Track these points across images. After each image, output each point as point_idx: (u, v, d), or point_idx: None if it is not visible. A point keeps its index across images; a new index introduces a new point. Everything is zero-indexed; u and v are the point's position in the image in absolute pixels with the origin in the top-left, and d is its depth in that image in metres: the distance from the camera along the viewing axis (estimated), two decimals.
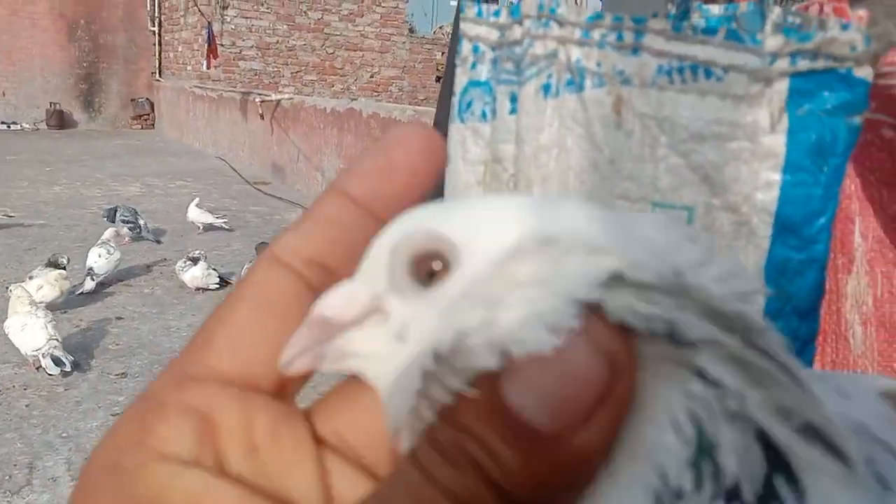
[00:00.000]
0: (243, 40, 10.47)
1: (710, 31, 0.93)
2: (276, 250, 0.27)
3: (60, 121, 10.66)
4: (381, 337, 0.24)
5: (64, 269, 3.61)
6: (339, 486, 0.25)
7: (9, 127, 10.31)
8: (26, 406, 2.68)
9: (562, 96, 0.99)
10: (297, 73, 10.93)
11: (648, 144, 0.95)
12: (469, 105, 1.08)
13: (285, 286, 0.26)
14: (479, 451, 0.19)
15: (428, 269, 0.23)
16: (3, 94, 10.50)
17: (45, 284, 3.43)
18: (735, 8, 1.06)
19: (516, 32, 1.01)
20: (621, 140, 0.95)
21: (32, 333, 2.90)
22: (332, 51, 11.24)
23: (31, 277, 3.48)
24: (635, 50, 0.96)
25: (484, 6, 1.04)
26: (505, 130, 1.03)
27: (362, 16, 11.51)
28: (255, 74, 10.61)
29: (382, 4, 11.72)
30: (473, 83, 1.07)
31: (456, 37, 1.16)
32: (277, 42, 10.81)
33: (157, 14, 11.41)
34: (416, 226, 0.24)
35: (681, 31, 0.93)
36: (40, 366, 2.88)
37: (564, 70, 0.98)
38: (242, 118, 8.41)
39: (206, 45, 9.58)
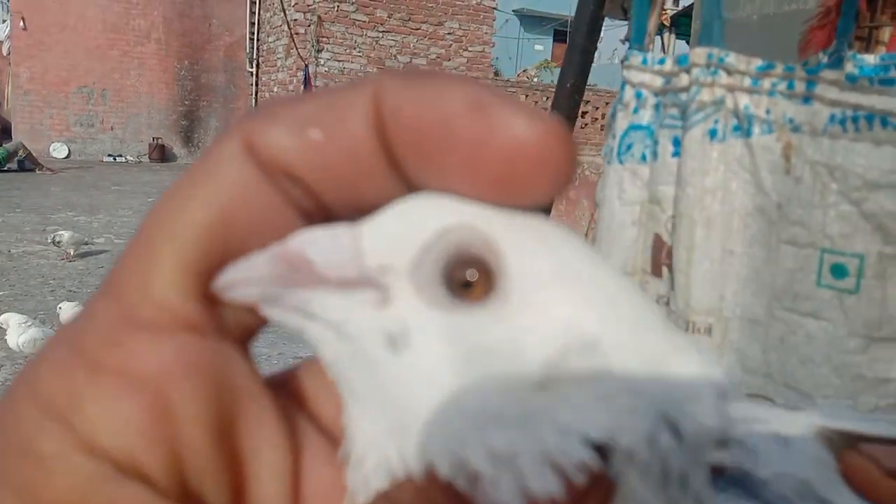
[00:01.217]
0: (335, 82, 10.84)
1: (888, 82, 0.94)
2: (256, 140, 0.20)
3: (162, 154, 11.24)
4: (368, 323, 0.19)
5: None
6: (313, 491, 0.21)
7: (115, 159, 10.93)
8: None
9: (728, 141, 1.01)
10: None
11: (819, 191, 0.96)
12: (629, 147, 1.11)
13: (267, 198, 0.20)
14: None
15: (462, 277, 0.19)
16: (112, 129, 11.15)
17: None
18: (892, 58, 1.07)
19: (683, 80, 1.04)
20: (790, 186, 0.96)
21: None
22: None
23: None
24: (806, 99, 0.98)
25: (649, 55, 1.07)
26: (666, 172, 1.06)
27: (450, 59, 11.78)
28: None
29: (469, 49, 11.98)
30: (634, 126, 1.10)
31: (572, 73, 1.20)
32: None
33: (255, 56, 11.98)
34: (472, 221, 0.20)
35: (856, 82, 0.94)
36: None
37: (731, 116, 1.00)
38: None
39: (301, 87, 9.98)
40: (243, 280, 0.20)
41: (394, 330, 0.19)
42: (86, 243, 5.17)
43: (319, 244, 0.20)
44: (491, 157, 0.18)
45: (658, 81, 1.07)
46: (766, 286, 1.00)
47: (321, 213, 0.21)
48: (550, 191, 0.19)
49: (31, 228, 5.89)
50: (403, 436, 0.19)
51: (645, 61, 1.06)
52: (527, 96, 11.59)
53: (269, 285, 0.20)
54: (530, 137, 0.18)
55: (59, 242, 4.89)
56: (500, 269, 0.19)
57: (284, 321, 0.20)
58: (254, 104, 11.92)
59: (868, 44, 2.30)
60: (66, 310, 3.38)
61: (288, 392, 0.22)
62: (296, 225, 0.20)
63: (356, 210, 0.20)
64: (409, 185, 0.20)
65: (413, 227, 0.19)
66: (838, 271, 0.99)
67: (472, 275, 0.19)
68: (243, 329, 0.21)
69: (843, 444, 0.25)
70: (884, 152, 0.96)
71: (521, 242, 0.19)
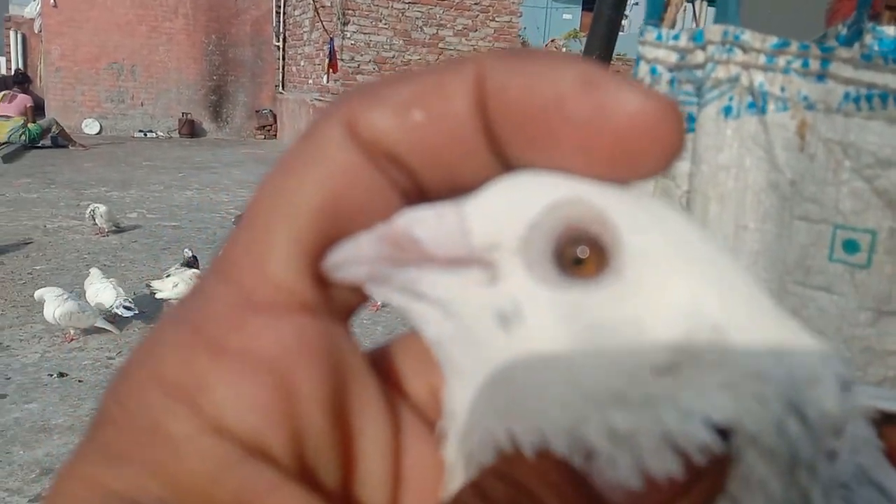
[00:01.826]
0: (361, 55, 10.82)
1: None
2: (359, 123, 0.19)
3: (191, 130, 11.34)
4: (477, 301, 0.19)
5: (197, 268, 3.87)
6: (411, 467, 0.21)
7: (145, 135, 11.07)
8: None
9: (742, 118, 1.02)
10: None
11: (832, 168, 0.97)
12: None
13: (371, 179, 0.20)
14: None
15: (573, 254, 0.19)
16: (143, 104, 11.27)
17: (181, 282, 3.68)
18: None
19: (698, 56, 1.05)
20: (804, 163, 0.97)
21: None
22: None
23: (167, 276, 3.76)
24: (821, 77, 0.98)
25: (664, 30, 1.08)
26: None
27: (476, 30, 11.66)
28: None
29: (496, 19, 11.85)
30: None
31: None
32: (394, 57, 11.11)
33: (281, 30, 11.98)
34: (584, 195, 0.19)
35: (871, 60, 0.95)
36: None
37: (746, 93, 1.01)
38: None
39: (327, 60, 9.97)
40: (352, 260, 0.20)
41: (505, 307, 0.19)
42: (119, 221, 5.27)
43: (426, 223, 0.19)
44: (606, 134, 0.18)
45: (673, 57, 1.08)
46: (779, 261, 1.02)
47: (418, 192, 0.20)
48: (662, 166, 0.19)
49: (66, 203, 6.00)
50: (514, 413, 0.19)
51: (659, 37, 1.08)
52: None
53: (377, 265, 0.20)
54: (645, 114, 0.18)
55: (97, 217, 4.99)
56: (613, 246, 0.19)
57: (391, 300, 0.20)
58: (281, 78, 11.97)
59: None
60: (95, 276, 3.51)
61: (380, 370, 0.22)
62: (397, 205, 0.20)
63: (451, 189, 0.20)
64: (506, 165, 0.20)
65: (520, 203, 0.19)
66: (850, 246, 1.00)
67: (583, 251, 0.18)
68: (348, 307, 0.21)
69: (884, 423, 0.24)
70: None
71: (635, 218, 0.19)
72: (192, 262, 3.94)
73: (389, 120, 0.19)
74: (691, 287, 0.19)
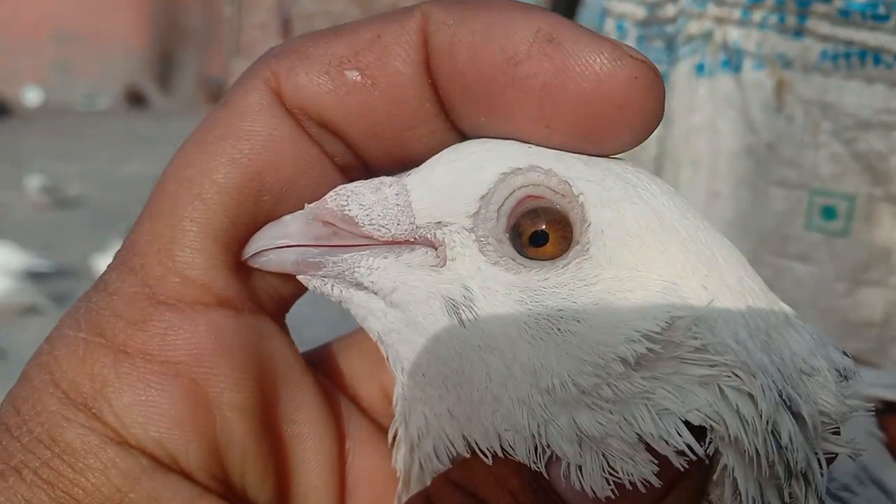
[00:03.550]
0: (316, 25, 10.60)
1: (881, 17, 0.89)
2: (284, 84, 0.17)
3: (137, 99, 11.00)
4: (423, 288, 0.17)
5: None
6: (358, 477, 0.19)
7: (90, 104, 10.69)
8: None
9: (716, 76, 0.97)
10: None
11: (810, 130, 0.93)
12: None
13: (300, 152, 0.18)
14: None
15: (532, 229, 0.17)
16: (86, 73, 10.87)
17: None
18: None
19: (669, 11, 0.99)
20: (782, 125, 0.92)
21: None
22: None
23: (111, 252, 3.67)
24: (798, 33, 0.93)
25: None
26: None
27: None
28: None
29: None
30: None
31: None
32: None
33: None
34: (545, 164, 0.17)
35: (849, 17, 0.90)
36: None
37: (720, 50, 0.96)
38: None
39: (280, 29, 9.74)
40: (277, 245, 0.17)
41: (455, 295, 0.17)
42: (61, 196, 5.08)
43: (362, 200, 0.17)
44: (568, 102, 0.16)
45: (641, 12, 1.02)
46: (752, 229, 0.97)
47: (360, 166, 0.18)
48: (637, 138, 0.17)
49: (5, 176, 5.76)
50: (469, 414, 0.17)
51: None
52: None
53: (307, 249, 0.17)
54: (615, 78, 0.16)
55: (37, 191, 4.81)
56: (578, 221, 0.17)
57: (325, 290, 0.18)
58: (234, 47, 11.64)
59: None
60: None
61: (325, 371, 0.20)
62: (333, 182, 0.18)
63: (398, 162, 0.18)
64: (461, 134, 0.18)
65: (470, 174, 0.17)
66: (828, 213, 0.95)
67: (544, 227, 0.17)
68: (278, 300, 0.19)
69: (886, 412, 0.23)
70: (875, 90, 0.92)
71: (603, 188, 0.17)
72: None
73: (319, 81, 0.17)
74: (669, 266, 0.17)
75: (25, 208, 4.86)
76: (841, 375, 0.18)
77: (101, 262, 3.43)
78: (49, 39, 10.54)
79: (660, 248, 0.17)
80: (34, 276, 3.24)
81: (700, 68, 0.98)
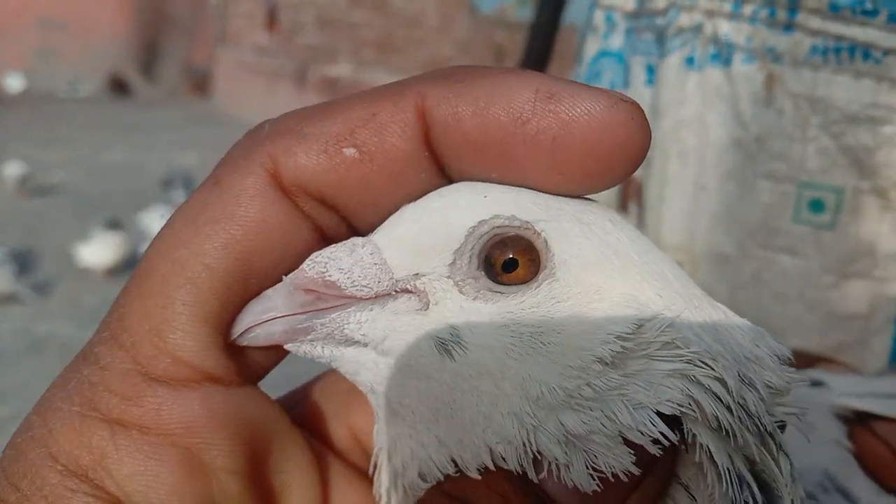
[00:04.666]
0: (303, 15, 10.51)
1: (871, 13, 0.90)
2: (282, 166, 0.18)
3: (121, 87, 10.88)
4: (413, 331, 0.18)
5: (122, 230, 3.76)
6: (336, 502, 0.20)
7: (73, 91, 10.55)
8: None
9: (706, 70, 0.96)
10: (356, 49, 10.95)
11: (799, 124, 0.93)
12: (598, 75, 1.06)
13: (290, 228, 0.18)
14: None
15: (503, 259, 0.19)
16: (69, 60, 10.73)
17: (104, 247, 3.53)
18: None
19: (659, 3, 0.98)
20: (771, 118, 0.93)
21: None
22: (391, 29, 11.22)
23: (91, 239, 3.61)
24: (788, 27, 0.93)
25: None
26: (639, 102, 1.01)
27: None
28: (313, 49, 10.65)
29: None
30: (604, 53, 1.05)
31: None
32: (338, 18, 10.82)
33: None
34: (506, 205, 0.19)
35: (838, 11, 0.90)
36: None
37: (710, 43, 0.95)
38: (298, 92, 8.47)
39: (266, 19, 9.66)
40: (263, 320, 0.18)
41: (443, 334, 0.18)
42: (42, 183, 5.02)
43: (340, 264, 0.18)
44: (576, 149, 0.18)
45: (631, 4, 1.01)
46: (739, 223, 0.97)
47: (349, 233, 0.19)
48: (631, 169, 0.19)
49: None
50: (460, 437, 0.18)
51: None
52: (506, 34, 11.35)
53: (294, 318, 0.18)
54: (614, 121, 0.18)
55: (17, 178, 4.74)
56: (543, 248, 0.18)
57: (315, 353, 0.19)
58: (217, 35, 11.54)
59: None
60: None
61: (299, 416, 0.21)
62: (311, 245, 0.19)
63: (377, 216, 0.19)
64: (447, 180, 0.19)
65: (438, 230, 0.18)
66: (816, 206, 0.96)
67: (511, 254, 0.18)
68: (258, 370, 0.20)
69: (857, 422, 0.25)
70: (863, 85, 0.92)
71: (562, 228, 0.19)
72: (115, 224, 3.78)
73: (319, 160, 0.17)
74: (627, 283, 0.19)
75: (4, 196, 4.80)
76: (780, 360, 0.20)
77: (83, 251, 3.39)
78: (32, 26, 10.39)
79: (617, 271, 0.19)
80: (14, 265, 3.19)
81: (690, 61, 0.98)
